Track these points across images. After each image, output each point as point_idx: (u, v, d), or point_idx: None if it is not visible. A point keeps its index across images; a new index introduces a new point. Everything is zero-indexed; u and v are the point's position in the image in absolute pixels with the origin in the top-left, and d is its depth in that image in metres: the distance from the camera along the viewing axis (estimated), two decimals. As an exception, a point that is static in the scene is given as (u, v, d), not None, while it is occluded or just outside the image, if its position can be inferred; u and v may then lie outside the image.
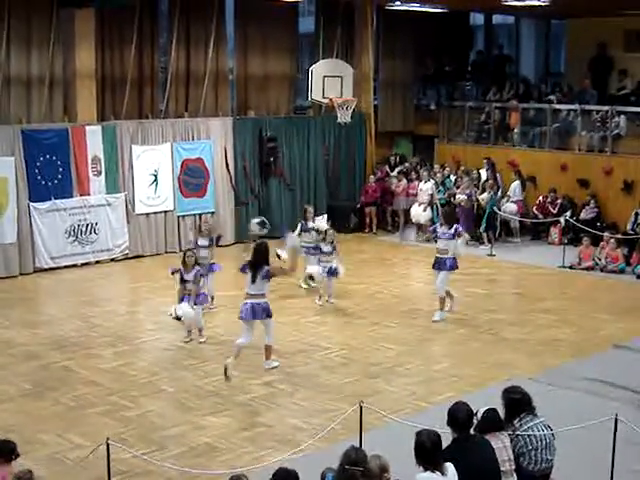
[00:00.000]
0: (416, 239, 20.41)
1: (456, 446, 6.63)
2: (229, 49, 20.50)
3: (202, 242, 14.04)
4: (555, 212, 19.84)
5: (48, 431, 9.56)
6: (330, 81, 19.78)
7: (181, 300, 12.74)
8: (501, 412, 7.17)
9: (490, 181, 19.75)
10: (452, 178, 20.47)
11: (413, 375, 11.47)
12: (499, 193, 19.73)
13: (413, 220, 20.75)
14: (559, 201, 19.95)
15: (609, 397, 10.42)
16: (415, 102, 24.11)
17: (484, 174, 20.30)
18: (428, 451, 6.22)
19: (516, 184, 20.12)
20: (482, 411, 7.02)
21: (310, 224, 15.59)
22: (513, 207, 19.79)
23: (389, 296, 15.49)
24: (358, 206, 21.48)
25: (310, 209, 16.07)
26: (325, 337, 13.09)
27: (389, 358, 12.16)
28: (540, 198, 20.25)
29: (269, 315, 11.23)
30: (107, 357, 12.11)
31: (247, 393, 10.77)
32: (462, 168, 21.02)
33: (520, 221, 20.13)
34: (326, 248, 14.78)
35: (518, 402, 7.24)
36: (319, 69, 19.91)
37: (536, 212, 20.24)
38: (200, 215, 18.63)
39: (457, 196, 19.75)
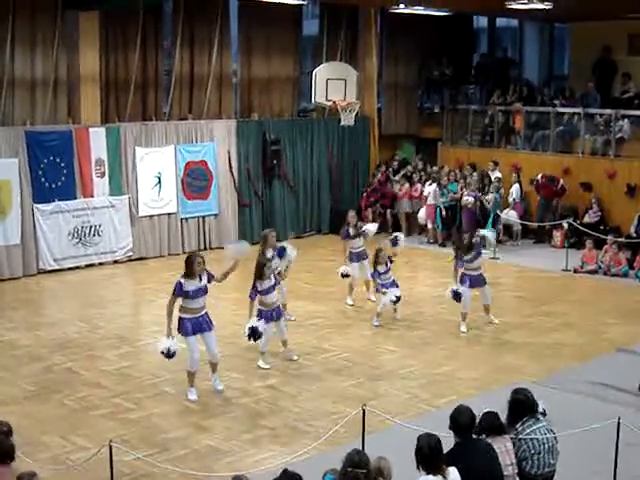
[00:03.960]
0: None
1: (459, 450, 6.64)
2: (233, 52, 20.49)
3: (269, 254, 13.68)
4: (558, 189, 19.90)
5: (51, 433, 9.58)
6: (334, 84, 19.74)
7: (259, 316, 11.63)
8: (505, 412, 7.19)
9: (495, 183, 19.82)
10: (457, 185, 20.42)
11: (416, 378, 11.47)
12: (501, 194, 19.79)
13: (421, 223, 20.82)
14: (562, 182, 19.97)
15: (612, 401, 10.42)
16: (419, 105, 24.14)
17: (493, 175, 20.41)
18: (427, 456, 6.24)
19: (516, 187, 20.18)
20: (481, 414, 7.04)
21: (352, 230, 14.85)
22: (513, 213, 19.83)
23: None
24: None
25: (352, 214, 15.23)
26: (328, 340, 13.08)
27: (392, 361, 12.17)
28: (539, 177, 20.21)
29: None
30: (110, 359, 12.12)
31: (250, 396, 10.78)
32: (467, 168, 21.10)
33: (521, 224, 20.17)
34: (381, 268, 13.78)
35: (521, 404, 7.24)
36: (323, 72, 19.87)
37: (538, 194, 20.23)
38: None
39: (464, 198, 19.74)
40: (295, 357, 12.08)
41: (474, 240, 13.55)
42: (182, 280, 10.43)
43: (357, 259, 14.77)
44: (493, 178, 20.25)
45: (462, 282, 13.45)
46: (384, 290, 13.69)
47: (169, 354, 10.50)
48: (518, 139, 21.88)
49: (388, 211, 21.49)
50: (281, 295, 12.85)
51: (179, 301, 10.54)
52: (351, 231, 14.88)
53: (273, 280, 11.80)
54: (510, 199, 20.09)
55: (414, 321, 14.11)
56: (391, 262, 13.90)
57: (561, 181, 20.05)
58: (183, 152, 18.96)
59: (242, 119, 20.33)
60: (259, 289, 11.66)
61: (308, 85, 20.39)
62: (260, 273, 11.66)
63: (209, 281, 10.67)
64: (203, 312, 10.64)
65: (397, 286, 13.80)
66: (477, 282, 13.53)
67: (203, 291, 10.60)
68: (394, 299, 13.67)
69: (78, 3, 16.84)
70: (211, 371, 10.95)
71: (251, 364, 11.84)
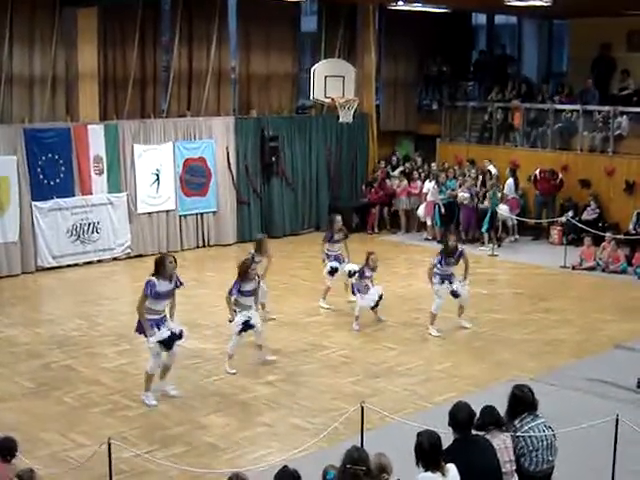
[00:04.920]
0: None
1: (457, 447, 6.64)
2: (231, 48, 20.49)
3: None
4: (557, 183, 19.91)
5: (50, 430, 9.58)
6: (332, 81, 19.76)
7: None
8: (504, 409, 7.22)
9: (493, 180, 19.84)
10: (455, 182, 20.45)
11: (414, 375, 11.48)
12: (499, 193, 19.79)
13: (421, 220, 20.84)
14: (560, 176, 20.01)
15: (610, 397, 10.43)
16: (417, 102, 24.14)
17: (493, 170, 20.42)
18: (426, 452, 6.25)
19: (510, 182, 20.17)
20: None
21: (336, 236, 14.59)
22: (505, 207, 19.80)
23: (391, 296, 15.43)
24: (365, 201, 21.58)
25: (338, 218, 14.87)
26: (326, 337, 13.09)
27: (390, 358, 12.17)
28: (537, 172, 20.23)
29: None
30: (109, 356, 12.13)
31: (249, 393, 10.79)
32: (466, 165, 21.14)
33: (519, 220, 20.19)
34: (367, 271, 13.57)
35: (520, 399, 7.25)
36: (321, 68, 19.90)
37: (537, 189, 20.28)
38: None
39: (459, 195, 19.79)
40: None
41: (456, 246, 13.33)
42: (154, 279, 10.21)
43: (334, 260, 14.54)
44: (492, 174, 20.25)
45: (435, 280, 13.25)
46: (356, 296, 13.52)
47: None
48: (517, 136, 21.89)
49: (385, 209, 21.53)
50: (261, 293, 12.62)
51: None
52: (335, 236, 14.66)
53: (255, 284, 11.61)
54: (506, 192, 20.08)
55: (412, 318, 14.11)
56: (374, 271, 13.64)
57: (560, 175, 20.08)
58: (181, 149, 18.96)
59: (240, 116, 20.32)
60: (241, 289, 11.42)
61: (307, 82, 20.41)
62: (245, 274, 11.42)
63: (177, 286, 10.50)
64: (164, 314, 10.46)
65: (368, 291, 13.54)
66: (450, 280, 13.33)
67: (171, 293, 10.44)
68: (372, 304, 13.52)
69: (76, 0, 16.82)
70: (161, 377, 10.65)
71: (249, 361, 11.84)
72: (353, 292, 13.79)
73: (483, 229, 19.42)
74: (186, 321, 13.59)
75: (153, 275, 10.28)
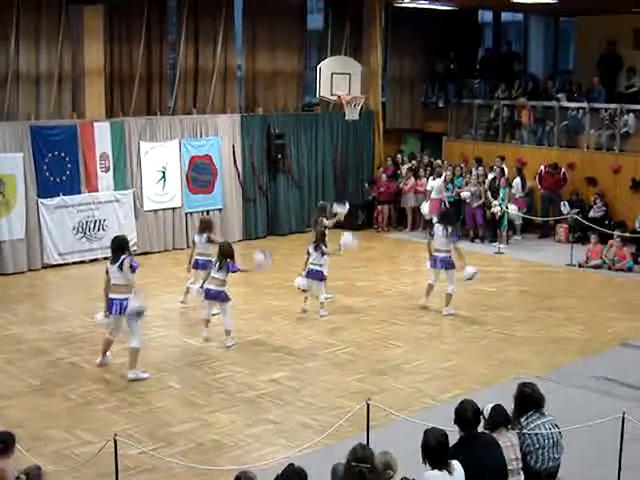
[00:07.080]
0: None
1: (463, 444, 6.64)
2: (237, 46, 20.50)
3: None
4: (560, 177, 19.92)
5: (56, 427, 9.59)
6: (338, 78, 19.77)
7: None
8: (512, 405, 7.20)
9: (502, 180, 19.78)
10: (462, 180, 20.42)
11: (420, 372, 11.47)
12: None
13: (426, 217, 20.78)
14: (563, 170, 19.99)
15: (616, 395, 10.42)
16: (423, 99, 24.12)
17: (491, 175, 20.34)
18: (434, 450, 6.24)
19: (517, 181, 20.11)
20: (488, 408, 7.02)
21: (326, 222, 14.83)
22: (513, 207, 19.71)
23: (397, 293, 15.50)
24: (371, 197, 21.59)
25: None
26: (332, 334, 13.09)
27: (396, 355, 12.16)
28: (542, 167, 20.20)
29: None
30: (115, 353, 12.11)
31: (254, 390, 10.78)
32: (472, 162, 21.11)
33: (524, 218, 20.14)
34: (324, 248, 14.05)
35: (527, 397, 7.25)
36: (327, 66, 19.91)
37: (539, 185, 20.29)
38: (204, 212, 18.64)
39: (462, 193, 19.78)
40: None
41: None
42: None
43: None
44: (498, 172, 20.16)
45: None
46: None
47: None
48: (523, 133, 21.85)
49: (391, 206, 21.50)
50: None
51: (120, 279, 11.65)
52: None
53: None
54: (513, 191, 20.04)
55: (418, 316, 14.11)
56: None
57: (563, 169, 20.04)
58: (188, 146, 18.96)
59: (246, 113, 20.32)
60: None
61: (313, 79, 20.41)
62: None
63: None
64: None
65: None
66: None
67: None
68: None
69: (83, -3, 16.86)
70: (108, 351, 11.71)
71: (255, 358, 11.85)
72: (321, 278, 13.93)
73: (501, 227, 19.30)
74: (190, 317, 13.71)
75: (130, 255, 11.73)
